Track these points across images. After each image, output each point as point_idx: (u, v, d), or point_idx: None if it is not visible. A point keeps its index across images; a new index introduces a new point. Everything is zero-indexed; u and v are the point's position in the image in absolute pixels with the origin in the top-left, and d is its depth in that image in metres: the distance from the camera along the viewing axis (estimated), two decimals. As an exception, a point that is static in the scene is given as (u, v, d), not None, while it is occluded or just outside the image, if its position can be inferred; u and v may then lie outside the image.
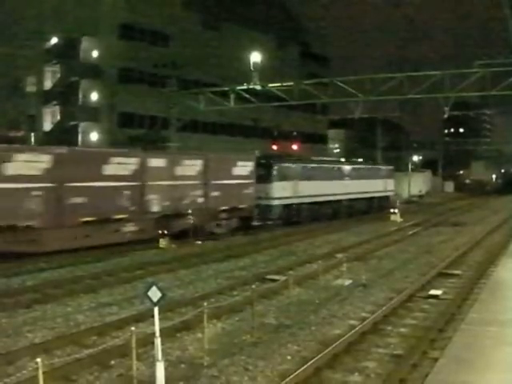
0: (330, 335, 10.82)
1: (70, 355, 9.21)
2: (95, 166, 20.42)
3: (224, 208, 26.25)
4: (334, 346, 9.66)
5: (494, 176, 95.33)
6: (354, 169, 40.34)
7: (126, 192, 21.49)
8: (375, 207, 42.09)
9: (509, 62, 27.68)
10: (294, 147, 53.45)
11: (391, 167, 48.12)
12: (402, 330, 11.22)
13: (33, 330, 11.16)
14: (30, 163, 18.38)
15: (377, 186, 42.89)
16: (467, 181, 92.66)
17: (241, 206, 27.35)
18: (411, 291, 14.18)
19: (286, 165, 32.37)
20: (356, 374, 8.84)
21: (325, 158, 45.12)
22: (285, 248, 23.03)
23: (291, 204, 31.84)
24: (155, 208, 22.80)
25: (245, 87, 32.65)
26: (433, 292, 14.17)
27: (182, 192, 23.86)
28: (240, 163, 27.88)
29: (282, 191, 31.07)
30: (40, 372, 6.51)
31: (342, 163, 41.43)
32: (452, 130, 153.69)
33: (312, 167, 35.38)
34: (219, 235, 25.74)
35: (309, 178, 33.49)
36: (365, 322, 11.21)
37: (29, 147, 21.90)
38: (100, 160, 20.73)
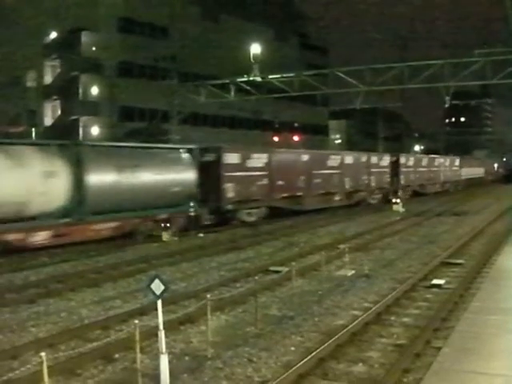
0: (333, 326, 10.83)
1: (74, 349, 9.22)
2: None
3: (447, 181, 55.95)
4: (337, 336, 9.67)
5: (495, 165, 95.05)
6: (474, 160, 76.29)
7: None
8: (478, 183, 69.69)
9: (509, 50, 27.53)
10: (295, 138, 53.36)
11: (485, 159, 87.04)
12: (405, 319, 11.23)
13: (37, 324, 11.18)
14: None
15: (479, 171, 74.63)
16: None
17: (454, 180, 58.51)
18: (414, 281, 14.18)
19: (463, 158, 64.50)
20: (360, 364, 8.84)
21: (467, 156, 77.19)
22: (287, 239, 23.03)
23: (465, 179, 63.19)
24: (413, 183, 46.59)
25: (245, 79, 32.48)
26: (436, 281, 14.14)
27: (428, 174, 50.09)
28: (456, 160, 60.99)
29: (463, 172, 62.26)
30: (44, 366, 6.52)
31: (471, 157, 79.55)
32: (453, 119, 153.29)
33: (467, 160, 68.73)
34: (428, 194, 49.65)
35: (467, 166, 64.82)
36: (368, 313, 11.22)
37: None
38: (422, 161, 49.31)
